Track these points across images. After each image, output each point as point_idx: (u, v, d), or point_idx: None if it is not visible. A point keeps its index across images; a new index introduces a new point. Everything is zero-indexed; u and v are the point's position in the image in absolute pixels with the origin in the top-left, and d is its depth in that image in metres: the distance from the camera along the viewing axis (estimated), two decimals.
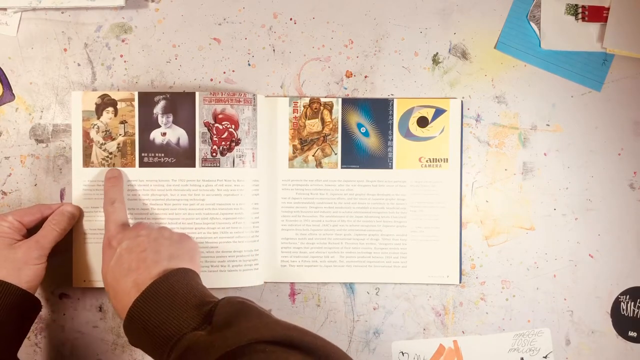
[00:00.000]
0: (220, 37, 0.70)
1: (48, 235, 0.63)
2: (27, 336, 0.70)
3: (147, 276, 0.55)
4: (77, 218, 0.67)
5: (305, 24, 0.70)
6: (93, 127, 0.67)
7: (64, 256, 0.70)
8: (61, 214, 0.65)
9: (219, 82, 0.70)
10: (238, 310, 0.52)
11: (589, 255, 0.70)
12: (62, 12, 0.70)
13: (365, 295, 0.70)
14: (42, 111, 0.70)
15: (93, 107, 0.67)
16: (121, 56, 0.70)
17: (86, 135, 0.68)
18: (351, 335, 0.70)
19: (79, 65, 0.70)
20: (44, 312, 0.70)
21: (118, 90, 0.69)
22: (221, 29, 0.70)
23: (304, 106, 0.69)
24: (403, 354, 0.70)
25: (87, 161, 0.68)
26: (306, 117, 0.69)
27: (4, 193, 0.70)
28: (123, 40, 0.70)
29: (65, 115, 0.70)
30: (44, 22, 0.70)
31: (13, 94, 0.70)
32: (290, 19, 0.70)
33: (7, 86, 0.70)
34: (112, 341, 0.70)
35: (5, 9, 0.69)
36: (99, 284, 0.67)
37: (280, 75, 0.70)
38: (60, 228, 0.64)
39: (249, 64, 0.70)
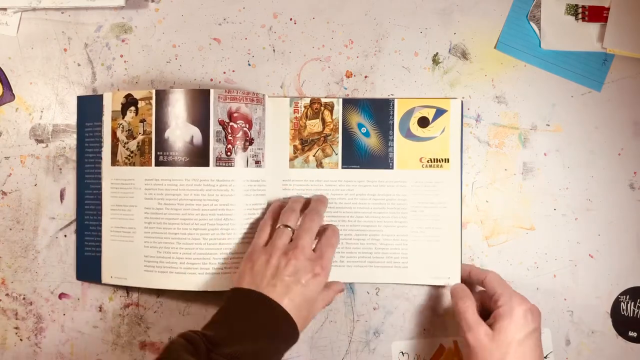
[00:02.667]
0: (220, 37, 0.70)
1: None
2: (27, 336, 0.70)
3: None
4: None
5: (305, 24, 0.70)
6: (119, 127, 0.67)
7: (64, 256, 0.70)
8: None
9: (219, 82, 0.70)
10: None
11: (589, 255, 0.70)
12: (62, 12, 0.70)
13: (365, 295, 0.70)
14: (42, 111, 0.70)
15: (119, 107, 0.67)
16: (121, 56, 0.70)
17: (114, 134, 0.67)
18: (351, 335, 0.70)
19: (79, 65, 0.70)
20: (44, 311, 0.70)
21: (119, 88, 0.69)
22: (221, 29, 0.70)
23: (304, 106, 0.69)
24: (403, 354, 0.70)
25: (114, 160, 0.67)
26: (307, 118, 0.69)
27: (4, 193, 0.70)
28: (123, 40, 0.70)
29: (65, 115, 0.70)
30: (44, 22, 0.70)
31: (13, 94, 0.70)
32: (290, 19, 0.70)
33: (7, 86, 0.70)
34: (112, 341, 0.70)
35: (5, 9, 0.69)
36: (126, 281, 0.67)
37: (280, 75, 0.70)
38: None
39: (249, 64, 0.70)
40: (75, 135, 0.70)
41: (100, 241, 0.69)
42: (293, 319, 0.58)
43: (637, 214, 0.70)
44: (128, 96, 0.66)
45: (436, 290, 0.70)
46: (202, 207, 0.64)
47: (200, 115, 0.65)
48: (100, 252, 0.69)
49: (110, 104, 0.67)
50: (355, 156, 0.69)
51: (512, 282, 0.70)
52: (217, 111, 0.65)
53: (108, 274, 0.68)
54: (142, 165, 0.66)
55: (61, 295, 0.70)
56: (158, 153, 0.65)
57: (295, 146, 0.70)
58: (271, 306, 0.57)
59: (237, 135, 0.65)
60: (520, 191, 0.70)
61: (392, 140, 0.69)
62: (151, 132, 0.65)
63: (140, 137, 0.66)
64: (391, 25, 0.70)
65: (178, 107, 0.65)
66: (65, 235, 0.70)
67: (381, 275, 0.69)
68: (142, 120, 0.66)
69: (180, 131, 0.65)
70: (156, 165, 0.65)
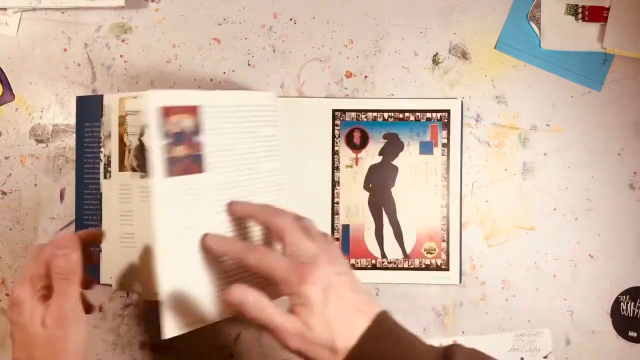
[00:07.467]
0: (220, 37, 0.70)
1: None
2: None
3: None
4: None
5: (305, 24, 0.70)
6: (126, 132, 0.67)
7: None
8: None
9: (219, 82, 0.70)
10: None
11: (589, 255, 0.70)
12: (62, 12, 0.70)
13: None
14: (42, 111, 0.70)
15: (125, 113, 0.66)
16: (121, 56, 0.70)
17: (121, 140, 0.67)
18: None
19: (79, 65, 0.70)
20: None
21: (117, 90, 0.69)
22: (221, 29, 0.70)
23: None
24: None
25: (121, 166, 0.67)
26: None
27: (4, 193, 0.70)
28: (123, 40, 0.70)
29: (65, 115, 0.70)
30: (44, 22, 0.70)
31: (13, 94, 0.70)
32: (290, 19, 0.70)
33: (7, 86, 0.70)
34: (112, 341, 0.70)
35: (5, 9, 0.69)
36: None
37: (280, 75, 0.70)
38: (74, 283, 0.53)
39: (249, 64, 0.70)
40: (75, 136, 0.70)
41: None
42: None
43: (637, 214, 0.70)
44: None
45: (436, 290, 0.70)
46: None
47: None
48: (99, 251, 0.68)
49: (117, 109, 0.67)
50: None
51: (512, 282, 0.70)
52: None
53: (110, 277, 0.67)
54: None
55: None
56: None
57: None
58: None
59: None
60: (520, 191, 0.70)
61: None
62: None
63: None
64: (391, 25, 0.70)
65: None
66: None
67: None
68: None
69: None
70: None
